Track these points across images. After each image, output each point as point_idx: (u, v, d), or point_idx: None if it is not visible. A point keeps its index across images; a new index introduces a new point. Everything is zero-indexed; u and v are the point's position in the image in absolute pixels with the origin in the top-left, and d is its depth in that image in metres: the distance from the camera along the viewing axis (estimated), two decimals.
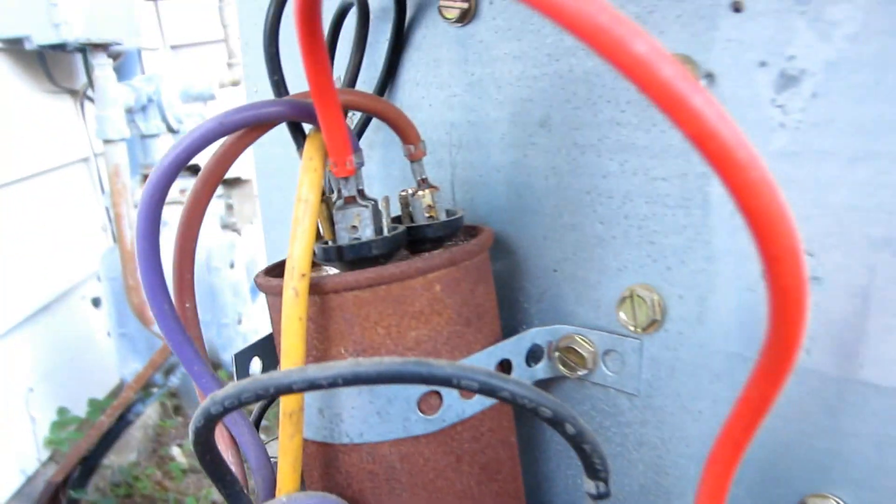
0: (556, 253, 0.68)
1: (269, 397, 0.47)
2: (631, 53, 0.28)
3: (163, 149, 3.19)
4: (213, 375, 0.64)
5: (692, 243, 0.59)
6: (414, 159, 0.66)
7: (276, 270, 0.67)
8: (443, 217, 0.65)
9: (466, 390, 0.44)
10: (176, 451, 3.56)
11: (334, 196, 0.61)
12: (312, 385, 0.44)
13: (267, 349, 0.74)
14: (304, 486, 0.63)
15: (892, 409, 0.52)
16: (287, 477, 0.58)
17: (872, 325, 0.52)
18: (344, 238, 0.59)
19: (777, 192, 0.31)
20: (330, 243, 0.60)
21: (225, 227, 3.41)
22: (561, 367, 0.68)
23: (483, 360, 0.62)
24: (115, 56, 2.88)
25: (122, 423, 3.10)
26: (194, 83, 3.21)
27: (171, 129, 3.11)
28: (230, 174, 3.33)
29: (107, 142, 2.70)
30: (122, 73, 2.99)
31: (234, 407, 0.46)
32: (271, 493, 0.62)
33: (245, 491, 0.59)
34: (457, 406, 0.60)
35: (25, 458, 3.04)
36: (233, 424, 0.64)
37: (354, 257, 0.58)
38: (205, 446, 0.52)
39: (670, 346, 0.62)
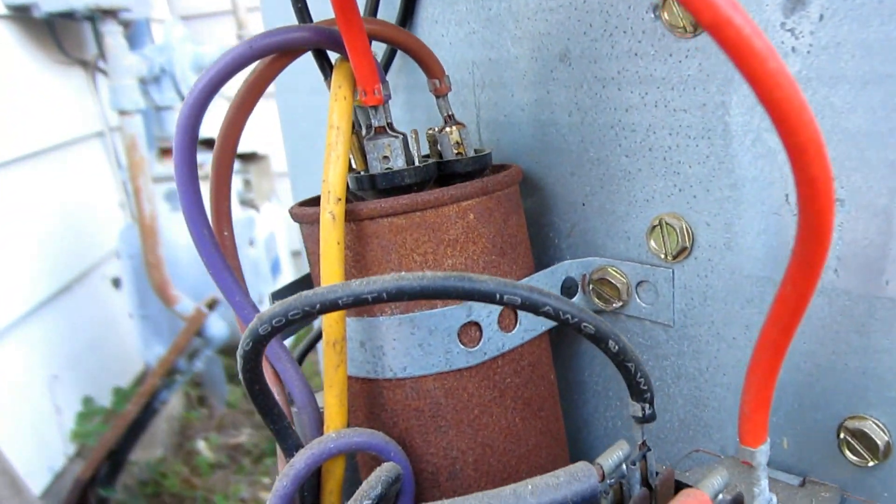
0: (583, 187, 0.71)
1: (316, 313, 0.48)
2: None
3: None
4: (254, 305, 0.66)
5: (716, 172, 0.62)
6: (439, 94, 0.68)
7: (310, 202, 0.69)
8: (471, 154, 0.67)
9: (509, 305, 0.47)
10: (202, 444, 3.60)
11: (363, 131, 0.64)
12: (357, 300, 0.46)
13: (300, 291, 0.76)
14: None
15: None
16: (334, 411, 0.60)
17: (895, 243, 0.54)
18: (376, 168, 0.62)
19: (795, 84, 0.34)
20: (362, 174, 0.63)
21: (243, 203, 3.44)
22: (596, 299, 0.71)
23: None
24: (124, 25, 2.91)
25: (148, 412, 3.12)
26: (206, 52, 3.24)
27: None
28: (247, 149, 3.37)
29: (122, 113, 2.74)
30: (132, 43, 3.02)
31: (281, 326, 0.48)
32: (317, 431, 0.64)
33: (292, 427, 0.62)
34: (496, 339, 0.63)
35: (53, 454, 3.06)
36: (276, 361, 0.66)
37: (387, 186, 0.61)
38: (253, 374, 0.54)
39: (701, 273, 0.65)
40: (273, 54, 0.63)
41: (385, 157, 0.62)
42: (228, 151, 0.65)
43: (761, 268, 0.61)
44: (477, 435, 0.63)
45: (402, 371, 0.62)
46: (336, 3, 0.55)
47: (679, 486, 0.57)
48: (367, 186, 0.62)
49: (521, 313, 0.65)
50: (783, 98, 0.34)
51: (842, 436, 0.59)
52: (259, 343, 0.50)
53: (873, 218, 0.55)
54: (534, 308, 0.47)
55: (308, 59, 0.68)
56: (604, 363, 0.75)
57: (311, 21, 0.72)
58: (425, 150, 0.70)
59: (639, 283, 0.69)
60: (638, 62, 0.64)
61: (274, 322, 0.48)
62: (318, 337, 0.82)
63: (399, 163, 0.62)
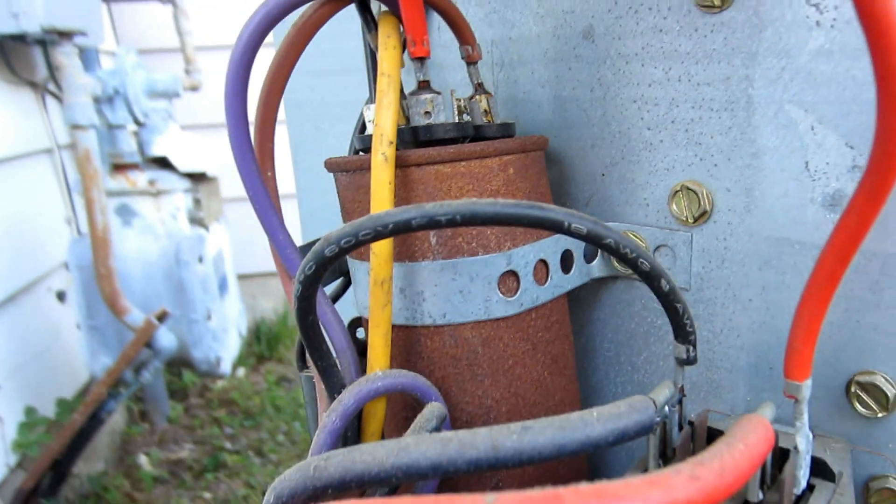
0: (603, 159, 0.73)
1: (388, 234, 0.47)
2: None
3: (129, 140, 3.22)
4: (295, 247, 0.67)
5: (737, 142, 0.65)
6: (471, 61, 0.71)
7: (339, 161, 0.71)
8: (498, 121, 0.70)
9: (575, 235, 0.48)
10: (143, 459, 3.55)
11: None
12: (431, 221, 0.46)
13: None
14: None
15: None
16: (379, 352, 0.61)
17: None
18: (418, 121, 0.64)
19: None
20: (403, 126, 0.64)
21: (193, 221, 3.43)
22: (614, 262, 0.73)
23: (550, 247, 0.67)
24: (78, 50, 2.91)
25: (93, 422, 3.07)
26: (158, 80, 3.25)
27: (137, 122, 3.15)
28: (196, 169, 3.36)
29: (76, 127, 2.72)
30: (84, 67, 3.02)
31: (350, 247, 0.47)
32: (356, 375, 0.65)
33: (337, 367, 0.63)
34: (532, 290, 0.65)
35: None
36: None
37: (429, 137, 0.63)
38: (309, 303, 0.53)
39: (720, 236, 0.67)
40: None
41: (427, 113, 0.64)
42: (275, 94, 0.66)
43: (779, 229, 0.64)
44: (511, 385, 0.65)
45: (442, 318, 0.63)
46: None
47: (712, 432, 0.60)
48: (409, 138, 0.64)
49: (551, 269, 0.67)
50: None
51: (852, 389, 0.62)
52: (323, 266, 0.49)
53: None
54: (597, 239, 0.49)
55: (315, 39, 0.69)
56: (616, 329, 0.77)
57: None
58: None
59: (657, 248, 0.72)
60: (663, 38, 0.67)
61: (342, 243, 0.47)
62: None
63: (441, 117, 0.64)
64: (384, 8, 0.65)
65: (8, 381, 3.09)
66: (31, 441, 3.07)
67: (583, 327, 0.80)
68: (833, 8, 0.57)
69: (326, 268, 0.50)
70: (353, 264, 0.69)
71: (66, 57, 2.76)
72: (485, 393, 0.65)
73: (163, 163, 3.38)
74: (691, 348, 0.55)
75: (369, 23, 0.70)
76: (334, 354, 0.65)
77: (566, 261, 0.70)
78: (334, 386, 0.62)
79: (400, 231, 0.47)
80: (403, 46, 0.64)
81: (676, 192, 0.69)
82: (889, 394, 0.60)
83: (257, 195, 0.65)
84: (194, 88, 3.73)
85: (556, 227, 0.48)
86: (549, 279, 0.67)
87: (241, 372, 4.37)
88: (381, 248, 0.59)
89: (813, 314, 0.49)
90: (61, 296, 3.55)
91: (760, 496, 0.52)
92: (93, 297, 3.11)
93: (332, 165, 0.68)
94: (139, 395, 3.83)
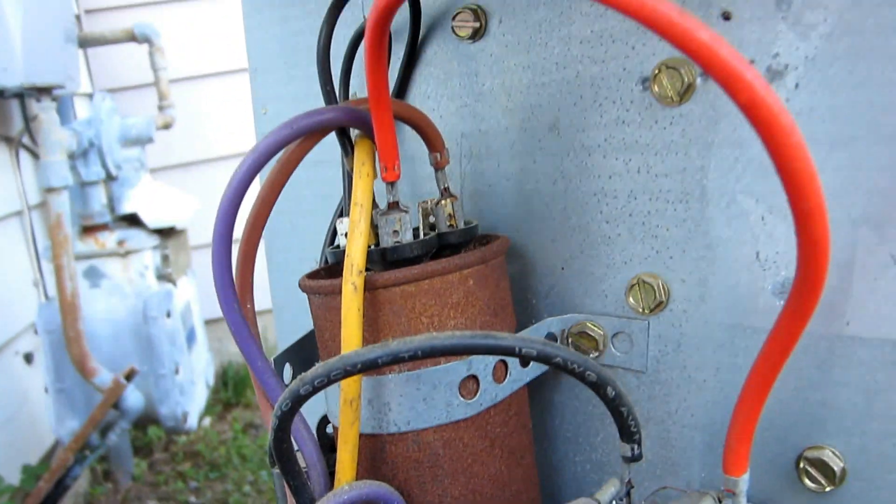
0: (563, 252, 0.77)
1: (357, 372, 0.53)
2: (698, 41, 0.39)
3: (101, 198, 3.22)
4: (275, 373, 0.70)
5: (692, 234, 0.69)
6: (439, 167, 0.75)
7: (315, 275, 0.75)
8: (461, 225, 0.74)
9: (526, 358, 0.53)
10: None
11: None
12: (395, 358, 0.51)
13: (295, 357, 0.81)
14: None
15: (876, 358, 0.62)
16: (346, 466, 0.65)
17: (856, 289, 0.62)
18: (387, 241, 0.68)
19: (809, 156, 0.41)
20: (371, 247, 0.68)
21: (161, 277, 3.43)
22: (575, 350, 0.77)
23: None
24: (54, 100, 2.91)
25: (59, 488, 3.02)
26: (132, 125, 3.25)
27: (109, 176, 3.15)
28: (166, 224, 3.36)
29: (49, 190, 2.72)
30: (60, 118, 3.01)
31: (323, 386, 0.53)
32: (326, 487, 0.69)
33: (308, 483, 0.66)
34: (491, 390, 0.68)
35: None
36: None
37: (397, 258, 0.68)
38: (284, 433, 0.58)
39: (675, 323, 0.71)
40: (306, 135, 0.69)
41: (395, 231, 0.68)
42: (257, 230, 0.70)
43: (732, 316, 0.68)
44: (469, 483, 0.69)
45: (406, 425, 0.67)
46: (371, 83, 0.62)
47: None
48: (378, 259, 0.68)
49: (510, 365, 0.70)
50: (801, 169, 0.41)
51: (801, 465, 0.66)
52: (298, 403, 0.55)
53: (837, 269, 0.62)
54: (547, 359, 0.54)
55: None
56: (574, 412, 0.81)
57: (335, 102, 0.79)
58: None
59: (615, 334, 0.75)
60: (625, 129, 0.71)
61: (316, 383, 0.53)
62: None
63: (408, 236, 0.69)
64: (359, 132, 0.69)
65: None
66: None
67: (542, 411, 0.83)
68: (785, 100, 0.62)
69: (301, 404, 0.55)
70: None
71: (44, 111, 2.76)
72: (444, 492, 0.68)
73: (132, 219, 3.38)
74: (636, 447, 0.59)
75: (347, 147, 0.75)
76: (308, 465, 0.69)
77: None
78: (305, 500, 0.66)
79: (368, 369, 0.52)
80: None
81: (633, 285, 0.73)
82: (836, 468, 0.64)
83: (238, 329, 0.69)
84: (167, 126, 3.73)
85: (508, 353, 0.53)
86: (508, 375, 0.70)
87: (207, 421, 4.33)
88: None
89: (747, 417, 0.54)
90: (29, 357, 3.51)
91: None
92: (61, 360, 3.08)
93: (306, 288, 0.72)
94: (104, 454, 3.78)
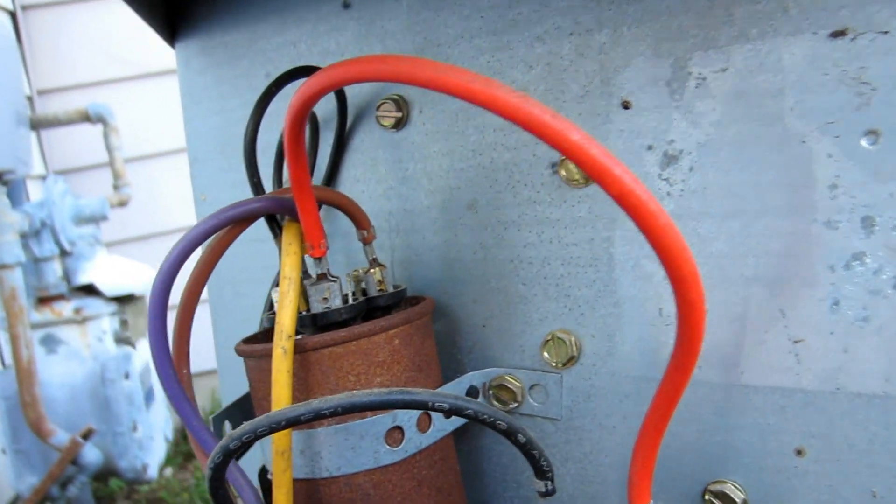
0: (484, 312, 0.81)
1: (281, 428, 0.55)
2: (570, 140, 0.42)
3: (55, 271, 3.18)
4: (209, 431, 0.72)
5: (601, 294, 0.73)
6: (367, 242, 0.78)
7: (250, 340, 0.78)
8: (390, 289, 0.77)
9: (439, 411, 0.57)
10: None
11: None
12: (317, 415, 0.54)
13: (235, 414, 0.82)
14: None
15: (768, 403, 0.66)
16: None
17: (748, 341, 0.66)
18: (317, 308, 0.71)
19: (678, 232, 0.45)
20: (304, 313, 0.71)
21: (119, 341, 3.39)
22: (495, 402, 0.80)
23: None
24: (4, 184, 2.88)
25: None
26: (86, 205, 3.22)
27: (63, 252, 3.11)
28: (123, 291, 3.32)
29: (2, 267, 2.69)
30: (10, 201, 2.98)
31: (250, 442, 0.55)
32: None
33: None
34: (416, 439, 0.71)
35: None
36: (227, 471, 0.71)
37: (327, 322, 0.71)
38: (219, 483, 0.61)
39: (585, 376, 0.75)
40: (234, 223, 0.72)
41: (325, 299, 0.71)
42: (190, 306, 0.72)
43: (637, 368, 0.72)
44: None
45: (337, 470, 0.69)
46: (293, 171, 0.66)
47: None
48: (309, 324, 0.71)
49: (434, 416, 0.73)
50: (671, 244, 0.45)
51: (706, 497, 0.70)
52: (228, 456, 0.57)
53: (731, 323, 0.67)
54: (459, 411, 0.57)
55: None
56: (500, 454, 0.83)
57: (263, 192, 0.82)
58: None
59: (532, 387, 0.79)
60: (536, 207, 0.75)
61: (244, 438, 0.56)
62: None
63: (336, 302, 0.72)
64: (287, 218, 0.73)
65: None
66: None
67: (470, 454, 0.86)
68: (681, 181, 0.67)
69: (232, 457, 0.58)
70: None
71: None
72: None
73: (89, 289, 3.34)
74: (549, 483, 0.63)
75: (275, 231, 0.79)
76: None
77: None
78: None
79: (292, 425, 0.56)
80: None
81: (547, 340, 0.76)
82: (738, 500, 0.68)
83: (174, 393, 0.71)
84: (122, 204, 3.67)
85: (422, 407, 0.56)
86: (432, 426, 0.73)
87: (169, 471, 4.26)
88: None
89: (646, 455, 0.57)
90: None
91: None
92: (18, 423, 3.03)
93: (241, 352, 0.74)
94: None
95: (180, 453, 4.50)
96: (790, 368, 0.65)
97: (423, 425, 0.71)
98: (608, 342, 0.73)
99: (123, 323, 3.39)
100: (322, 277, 0.72)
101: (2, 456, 3.31)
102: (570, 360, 0.75)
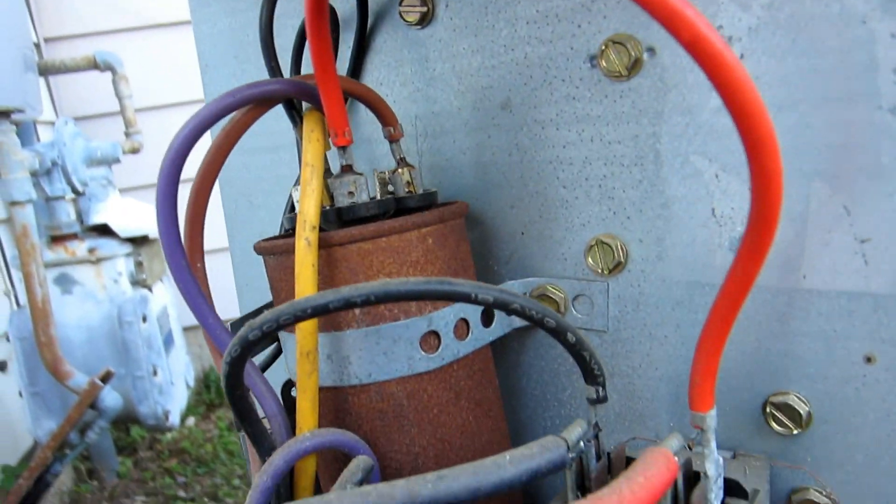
0: (522, 218, 0.75)
1: (307, 317, 0.49)
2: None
3: (68, 211, 3.15)
4: (225, 328, 0.67)
5: (648, 194, 0.67)
6: (393, 140, 0.72)
7: (271, 240, 0.72)
8: (420, 192, 0.71)
9: (482, 304, 0.50)
10: None
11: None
12: (347, 303, 0.48)
13: None
14: None
15: (833, 308, 0.60)
16: (307, 414, 0.63)
17: (810, 242, 0.60)
18: (342, 202, 0.66)
19: (754, 86, 0.39)
20: (327, 208, 0.66)
21: (135, 283, 3.36)
22: None
23: (471, 307, 0.68)
24: (14, 125, 2.84)
25: (40, 485, 2.95)
26: (97, 147, 3.17)
27: (76, 192, 3.07)
28: (138, 233, 3.30)
29: (13, 203, 2.65)
30: (21, 141, 2.94)
31: (272, 331, 0.49)
32: (288, 436, 0.66)
33: (267, 431, 0.64)
34: (453, 346, 0.66)
35: None
36: (246, 376, 0.67)
37: (352, 217, 0.65)
38: (236, 380, 0.55)
39: (634, 283, 0.70)
40: (252, 104, 0.66)
41: (350, 193, 0.66)
42: (204, 193, 0.68)
43: (690, 273, 0.66)
44: (436, 432, 0.66)
45: (367, 377, 0.64)
46: (316, 57, 0.60)
47: (629, 461, 0.61)
48: (334, 219, 0.66)
49: (472, 324, 0.68)
50: (747, 100, 0.39)
51: (767, 410, 0.65)
52: (247, 349, 0.52)
53: (791, 223, 0.61)
54: (504, 306, 0.51)
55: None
56: (541, 370, 0.79)
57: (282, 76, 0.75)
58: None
59: (575, 297, 0.73)
60: (575, 105, 0.69)
61: (265, 328, 0.50)
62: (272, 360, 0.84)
63: (363, 197, 0.66)
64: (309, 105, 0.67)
65: None
66: None
67: (509, 371, 0.81)
68: None
69: (251, 350, 0.52)
70: (283, 336, 0.70)
71: (3, 135, 2.69)
72: (412, 441, 0.66)
73: (103, 230, 3.30)
74: (600, 389, 0.57)
75: (296, 119, 0.72)
76: (267, 419, 0.66)
77: (488, 316, 0.71)
78: (265, 449, 0.63)
79: (319, 314, 0.50)
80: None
81: (592, 246, 0.71)
82: (802, 412, 0.63)
83: (187, 286, 0.66)
84: (135, 151, 3.64)
85: (464, 299, 0.50)
86: (470, 334, 0.68)
87: (192, 421, 4.25)
88: (306, 323, 0.61)
89: (710, 353, 0.51)
90: (3, 366, 3.45)
91: None
92: (34, 365, 3.01)
93: (261, 249, 0.69)
94: (86, 454, 3.70)
95: (202, 403, 4.51)
96: (857, 270, 0.59)
97: (460, 332, 0.67)
98: (657, 246, 0.68)
99: (139, 265, 3.36)
100: (347, 169, 0.66)
101: (19, 399, 3.31)
102: (617, 267, 0.70)
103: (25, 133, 3.13)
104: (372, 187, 0.70)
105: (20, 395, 3.25)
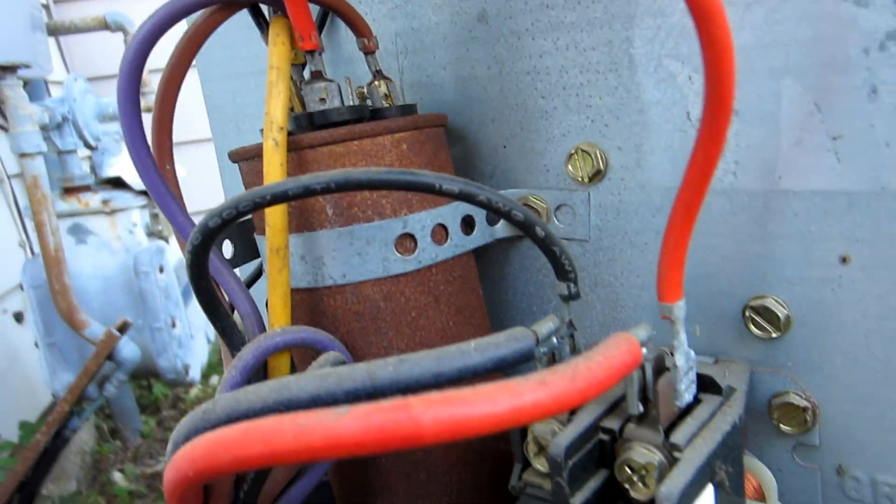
0: (503, 131, 0.75)
1: (266, 204, 0.49)
2: None
3: (80, 164, 3.16)
4: (195, 225, 0.68)
5: (624, 101, 0.66)
6: (368, 51, 0.72)
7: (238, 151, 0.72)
8: (399, 104, 0.71)
9: (447, 194, 0.50)
10: (118, 476, 3.41)
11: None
12: (307, 190, 0.48)
13: (236, 234, 0.79)
14: None
15: (809, 209, 0.60)
16: (279, 311, 0.63)
17: (784, 142, 0.59)
18: (314, 108, 0.65)
19: None
20: (299, 113, 0.66)
21: (151, 234, 3.37)
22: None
23: (449, 213, 0.68)
24: (23, 82, 2.84)
25: (58, 440, 2.94)
26: (109, 103, 3.16)
27: (88, 146, 3.07)
28: None
29: (23, 155, 2.66)
30: (31, 97, 2.94)
31: (232, 218, 0.50)
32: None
33: (237, 327, 0.64)
34: (430, 250, 0.66)
35: None
36: (218, 275, 0.68)
37: (324, 122, 0.64)
38: (200, 270, 0.55)
39: (614, 191, 0.69)
40: (213, 6, 0.66)
41: (322, 99, 0.65)
42: (170, 94, 0.68)
43: (668, 179, 0.66)
44: (415, 335, 0.66)
45: (342, 278, 0.64)
46: None
47: None
48: (305, 124, 0.65)
49: (451, 230, 0.68)
50: None
51: (747, 314, 0.64)
52: (208, 236, 0.52)
53: (763, 122, 0.60)
54: (469, 197, 0.51)
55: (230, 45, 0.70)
56: (525, 282, 0.79)
57: None
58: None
59: (558, 207, 0.73)
60: (549, 12, 0.68)
61: (224, 214, 0.50)
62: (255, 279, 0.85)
63: (335, 103, 0.66)
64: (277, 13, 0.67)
65: None
66: None
67: (495, 283, 0.81)
68: None
69: (213, 238, 0.52)
70: (259, 240, 0.71)
71: (11, 89, 2.69)
72: (389, 344, 0.66)
73: (117, 182, 3.30)
74: (572, 285, 0.58)
75: (262, 26, 0.71)
76: (240, 319, 0.66)
77: (468, 224, 0.70)
78: (235, 344, 0.63)
79: (278, 201, 0.50)
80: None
81: (572, 154, 0.70)
82: (780, 315, 0.62)
83: (153, 185, 0.67)
84: (149, 111, 3.64)
85: (428, 189, 0.50)
86: (449, 240, 0.67)
87: (215, 380, 4.22)
88: (275, 220, 0.61)
89: (677, 242, 0.51)
90: (19, 317, 3.47)
91: (641, 409, 0.54)
92: (49, 314, 3.01)
93: (234, 156, 0.69)
94: (108, 412, 3.70)
95: None
96: (831, 168, 0.58)
97: (438, 237, 0.66)
98: (636, 153, 0.67)
99: (154, 216, 3.37)
100: (317, 75, 0.66)
101: (35, 350, 3.32)
102: (597, 175, 0.69)
103: (36, 91, 3.14)
104: (347, 97, 0.69)
105: (36, 345, 3.26)
